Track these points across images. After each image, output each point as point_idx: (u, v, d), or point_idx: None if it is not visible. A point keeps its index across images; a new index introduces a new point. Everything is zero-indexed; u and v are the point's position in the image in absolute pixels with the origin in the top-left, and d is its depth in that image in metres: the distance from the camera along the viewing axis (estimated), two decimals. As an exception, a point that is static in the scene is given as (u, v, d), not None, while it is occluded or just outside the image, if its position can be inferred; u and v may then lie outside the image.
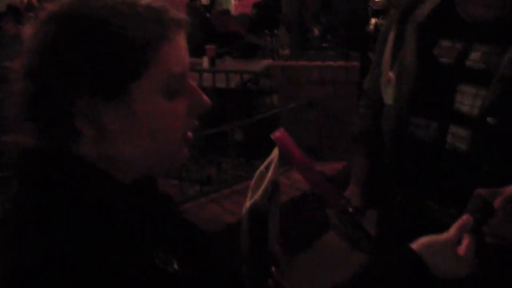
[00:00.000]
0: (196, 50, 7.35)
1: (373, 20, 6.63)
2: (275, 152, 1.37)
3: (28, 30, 1.01)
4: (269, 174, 1.30)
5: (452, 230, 1.41)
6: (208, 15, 10.06)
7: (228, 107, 6.63)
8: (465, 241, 1.39)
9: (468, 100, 1.76)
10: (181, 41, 1.07)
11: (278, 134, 1.89)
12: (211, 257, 1.24)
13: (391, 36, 1.97)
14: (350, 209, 2.04)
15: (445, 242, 1.38)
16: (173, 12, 1.06)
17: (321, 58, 5.84)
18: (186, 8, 8.21)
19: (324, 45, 6.16)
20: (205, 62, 7.31)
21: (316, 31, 6.29)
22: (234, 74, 6.52)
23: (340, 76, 5.60)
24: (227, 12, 11.11)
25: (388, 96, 1.94)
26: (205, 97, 1.11)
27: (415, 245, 1.38)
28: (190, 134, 1.11)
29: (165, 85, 1.03)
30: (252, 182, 1.36)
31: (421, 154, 1.88)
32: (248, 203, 1.26)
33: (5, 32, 8.22)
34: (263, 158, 5.17)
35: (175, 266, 1.03)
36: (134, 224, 1.01)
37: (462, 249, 1.37)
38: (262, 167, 1.33)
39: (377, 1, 9.58)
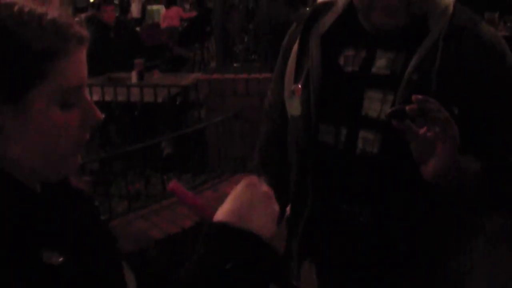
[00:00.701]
0: (124, 65, 7.34)
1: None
2: None
3: None
4: None
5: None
6: (138, 28, 10.01)
7: (157, 121, 6.62)
8: None
9: (376, 105, 1.83)
10: (81, 55, 1.11)
11: (171, 185, 1.99)
12: (109, 253, 1.27)
13: (295, 49, 2.01)
14: None
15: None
16: (76, 27, 1.12)
17: (247, 71, 5.88)
18: (115, 23, 8.17)
19: (250, 57, 6.19)
20: (134, 76, 7.28)
21: (241, 44, 6.32)
22: (162, 88, 6.51)
23: (266, 88, 5.64)
24: (156, 25, 11.11)
25: (294, 108, 1.98)
26: (97, 111, 1.15)
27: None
28: (79, 145, 1.14)
29: (61, 96, 1.07)
30: None
31: (332, 160, 1.93)
32: None
33: None
34: (192, 172, 5.20)
35: (60, 259, 1.06)
36: (22, 225, 1.05)
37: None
38: None
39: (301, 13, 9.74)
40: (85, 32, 1.14)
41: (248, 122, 5.73)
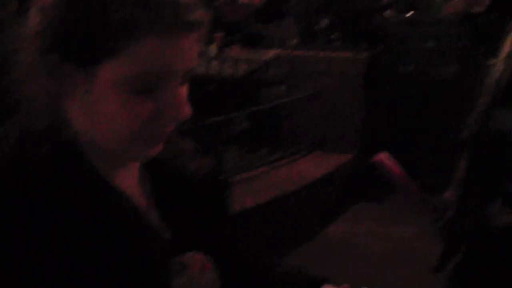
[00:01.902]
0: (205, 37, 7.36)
1: (383, 13, 6.58)
2: None
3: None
4: None
5: None
6: (216, 3, 10.04)
7: (235, 96, 6.62)
8: None
9: None
10: (179, 42, 0.98)
11: (378, 158, 2.09)
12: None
13: None
14: None
15: None
16: (193, 13, 0.99)
17: (329, 49, 5.81)
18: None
19: (332, 36, 6.11)
20: (213, 50, 7.30)
21: (324, 22, 6.24)
22: (241, 63, 6.50)
23: (347, 68, 5.60)
24: (234, 1, 11.10)
25: None
26: (185, 108, 1.02)
27: None
28: (161, 135, 1.05)
29: (135, 79, 0.96)
30: None
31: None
32: None
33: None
34: (268, 148, 5.22)
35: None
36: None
37: None
38: None
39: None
40: (196, 17, 1.00)
41: (327, 102, 5.68)
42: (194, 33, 1.00)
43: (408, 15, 6.72)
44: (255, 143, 5.61)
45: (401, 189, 2.14)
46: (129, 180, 1.12)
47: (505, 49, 1.88)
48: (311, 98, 5.65)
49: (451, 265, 2.05)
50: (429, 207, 2.14)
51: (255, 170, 5.24)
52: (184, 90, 1.04)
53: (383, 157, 2.12)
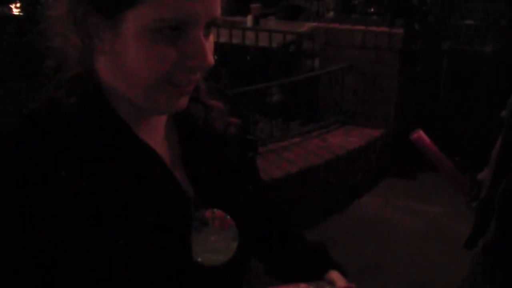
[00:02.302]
0: (241, 9, 7.37)
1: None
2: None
3: None
4: None
5: None
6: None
7: (270, 67, 6.63)
8: None
9: None
10: None
11: (416, 135, 2.13)
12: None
13: None
14: None
15: None
16: None
17: (365, 23, 5.78)
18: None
19: (369, 10, 6.09)
20: (249, 20, 7.31)
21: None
22: (277, 34, 6.51)
23: (382, 42, 5.57)
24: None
25: None
26: (208, 56, 1.03)
27: None
28: (185, 85, 1.06)
29: (158, 25, 0.98)
30: None
31: None
32: None
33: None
34: (300, 119, 5.24)
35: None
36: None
37: None
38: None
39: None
40: None
41: (361, 75, 5.67)
42: None
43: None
44: (288, 114, 5.62)
45: (437, 166, 2.17)
46: (155, 135, 1.15)
47: None
48: (345, 72, 5.65)
49: (481, 243, 2.06)
50: (464, 185, 2.15)
51: (287, 140, 5.27)
52: (208, 40, 1.06)
53: (421, 135, 2.15)
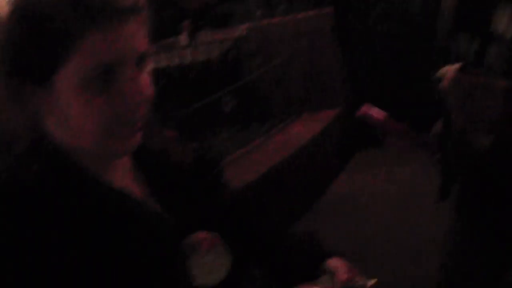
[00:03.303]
0: (172, 29, 7.36)
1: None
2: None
3: None
4: None
5: None
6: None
7: (214, 78, 6.65)
8: None
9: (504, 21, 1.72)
10: (123, 28, 1.00)
11: (360, 112, 2.15)
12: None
13: None
14: None
15: None
16: None
17: (293, 11, 5.84)
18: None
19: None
20: (184, 39, 7.30)
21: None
22: (214, 45, 6.53)
23: (315, 25, 5.63)
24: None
25: None
26: (145, 90, 1.05)
27: None
28: (135, 124, 1.06)
29: (85, 77, 0.99)
30: None
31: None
32: None
33: None
34: (257, 122, 5.19)
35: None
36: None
37: None
38: None
39: None
40: (130, 2, 1.01)
41: (303, 63, 5.72)
42: (134, 18, 1.02)
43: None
44: (245, 118, 5.65)
45: (391, 133, 2.20)
46: (122, 175, 1.15)
47: None
48: (287, 63, 5.70)
49: (453, 194, 2.10)
50: (421, 144, 2.18)
51: (250, 144, 5.30)
52: (144, 72, 1.06)
53: (366, 109, 2.18)
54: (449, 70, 1.72)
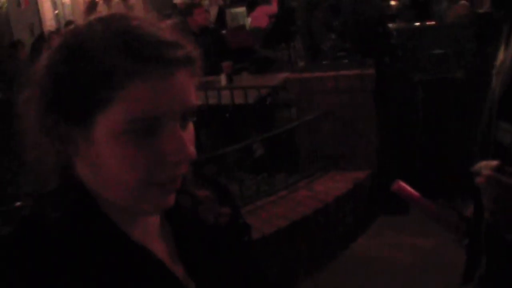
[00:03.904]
0: (213, 68, 7.44)
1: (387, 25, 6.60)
2: None
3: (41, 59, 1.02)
4: None
5: None
6: (223, 31, 10.11)
7: (247, 123, 6.67)
8: None
9: None
10: (170, 82, 0.97)
11: (396, 186, 2.20)
12: None
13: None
14: None
15: None
16: (179, 50, 0.99)
17: (336, 68, 5.85)
18: (199, 30, 8.27)
19: (338, 54, 6.16)
20: (223, 79, 7.35)
21: (330, 41, 6.29)
22: (252, 90, 6.55)
23: (355, 84, 5.63)
24: (242, 27, 11.19)
25: None
26: (186, 150, 1.00)
27: None
28: (170, 183, 1.02)
29: (127, 126, 0.96)
30: None
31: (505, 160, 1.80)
32: None
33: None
34: (285, 171, 5.22)
35: None
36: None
37: None
38: None
39: (393, 4, 9.58)
40: (182, 53, 0.99)
41: (338, 120, 5.71)
42: (183, 70, 0.99)
43: (414, 24, 6.76)
44: (272, 167, 5.63)
45: (423, 212, 2.21)
46: (150, 234, 1.11)
47: (500, 57, 1.88)
48: (322, 118, 5.69)
49: (476, 277, 2.06)
50: (452, 225, 2.18)
51: (274, 194, 5.27)
52: (187, 131, 1.02)
53: (401, 185, 2.20)
54: (486, 166, 1.72)
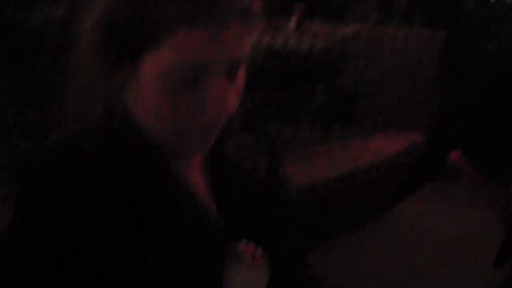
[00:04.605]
0: (285, 9, 7.38)
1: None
2: None
3: None
4: None
5: None
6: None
7: (313, 70, 6.64)
8: None
9: None
10: (222, 33, 0.95)
11: (454, 157, 2.20)
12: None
13: None
14: None
15: None
16: (238, 1, 0.96)
17: (408, 26, 5.76)
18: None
19: (412, 13, 6.06)
20: (293, 22, 7.30)
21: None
22: (320, 37, 6.51)
23: (426, 45, 5.55)
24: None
25: None
26: (226, 104, 1.00)
27: None
28: (210, 129, 1.03)
29: (173, 69, 0.96)
30: None
31: None
32: None
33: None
34: (341, 123, 5.20)
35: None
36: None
37: None
38: None
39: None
40: (241, 5, 0.96)
41: (403, 79, 5.66)
42: (241, 22, 0.97)
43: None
44: (329, 117, 5.64)
45: (475, 187, 2.23)
46: (190, 169, 1.13)
47: None
48: (388, 75, 5.64)
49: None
50: (499, 204, 2.19)
51: (328, 144, 5.29)
52: (235, 83, 1.02)
53: (457, 158, 2.21)
54: None
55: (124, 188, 1.01)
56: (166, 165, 1.08)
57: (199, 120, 1.00)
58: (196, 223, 1.10)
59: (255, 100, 5.02)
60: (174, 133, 1.03)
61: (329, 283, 1.39)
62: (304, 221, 1.42)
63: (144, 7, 0.95)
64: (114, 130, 1.05)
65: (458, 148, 2.39)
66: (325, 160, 4.96)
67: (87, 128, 1.05)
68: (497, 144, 5.57)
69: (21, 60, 5.04)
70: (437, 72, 5.58)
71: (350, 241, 4.71)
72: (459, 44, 5.75)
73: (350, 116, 5.84)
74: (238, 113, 1.13)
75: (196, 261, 1.08)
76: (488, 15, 5.98)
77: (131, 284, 1.00)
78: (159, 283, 1.02)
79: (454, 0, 5.88)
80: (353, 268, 4.30)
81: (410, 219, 5.13)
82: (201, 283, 1.09)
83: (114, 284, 0.99)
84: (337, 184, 4.72)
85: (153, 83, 0.98)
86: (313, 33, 6.54)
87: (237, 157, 1.20)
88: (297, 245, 1.32)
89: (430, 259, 4.49)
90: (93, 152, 1.02)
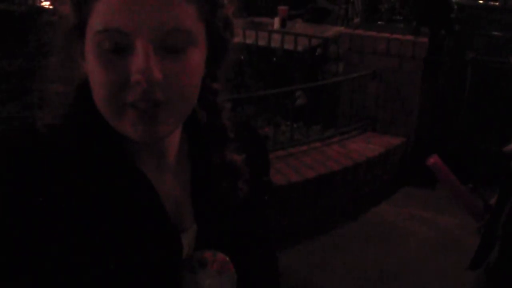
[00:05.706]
0: (269, 11, 7.43)
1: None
2: None
3: None
4: None
5: None
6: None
7: (293, 70, 6.67)
8: None
9: None
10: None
11: (432, 161, 2.21)
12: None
13: None
14: None
15: None
16: None
17: (390, 30, 5.80)
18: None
19: (394, 17, 6.10)
20: (276, 23, 7.34)
21: (388, 2, 6.23)
22: (303, 37, 6.54)
23: (406, 50, 5.58)
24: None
25: None
26: (150, 72, 0.92)
27: None
28: (140, 105, 0.95)
29: (101, 37, 0.92)
30: None
31: None
32: None
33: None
34: (322, 124, 5.25)
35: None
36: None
37: None
38: None
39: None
40: None
41: (384, 83, 5.69)
42: None
43: (478, 2, 6.65)
44: (309, 118, 5.66)
45: (451, 192, 2.25)
46: (163, 167, 1.09)
47: None
48: (368, 78, 5.67)
49: (484, 265, 2.10)
50: (476, 211, 2.22)
51: (307, 145, 5.31)
52: (177, 62, 0.95)
53: (437, 161, 2.23)
54: None
55: (79, 176, 0.99)
56: (129, 159, 1.05)
57: (126, 95, 0.94)
58: (152, 222, 1.05)
59: (235, 99, 5.04)
60: (112, 114, 0.97)
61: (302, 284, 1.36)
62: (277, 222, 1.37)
63: None
64: (82, 117, 1.02)
65: (436, 152, 2.41)
66: (302, 162, 4.97)
67: (59, 118, 1.02)
68: (470, 149, 5.65)
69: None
70: (418, 79, 5.63)
71: (326, 241, 4.73)
72: (440, 51, 5.81)
73: (329, 119, 5.87)
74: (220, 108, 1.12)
75: (150, 260, 1.03)
76: (472, 23, 6.04)
77: None
78: (115, 274, 0.99)
79: (442, 7, 5.92)
80: (329, 269, 4.32)
81: (385, 221, 5.16)
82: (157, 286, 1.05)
83: None
84: (314, 185, 4.74)
85: (90, 60, 0.95)
86: (295, 33, 6.57)
87: (222, 157, 1.15)
88: (267, 252, 1.27)
89: (407, 261, 4.52)
90: (59, 142, 1.00)
